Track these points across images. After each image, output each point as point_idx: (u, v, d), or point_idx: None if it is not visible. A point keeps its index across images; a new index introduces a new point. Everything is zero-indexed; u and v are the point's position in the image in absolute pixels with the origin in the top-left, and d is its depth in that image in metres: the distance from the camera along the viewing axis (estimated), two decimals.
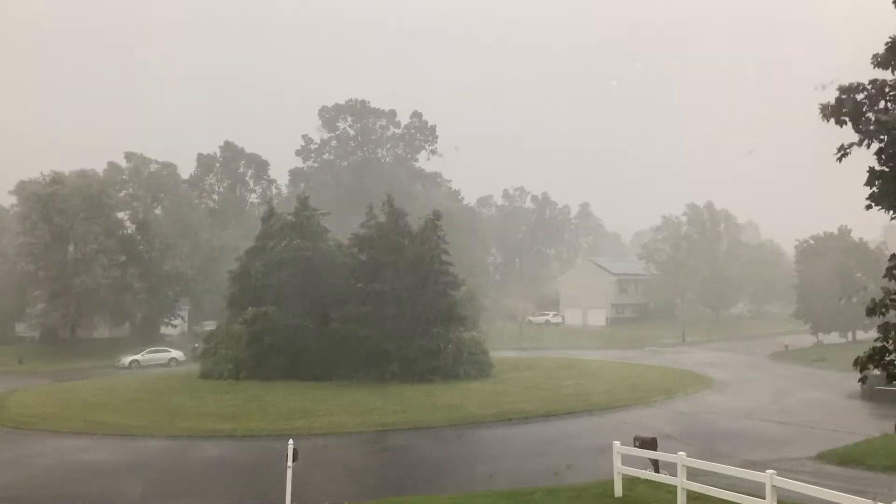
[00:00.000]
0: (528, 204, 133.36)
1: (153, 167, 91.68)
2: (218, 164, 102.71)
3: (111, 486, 22.19)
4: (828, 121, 12.14)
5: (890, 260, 11.92)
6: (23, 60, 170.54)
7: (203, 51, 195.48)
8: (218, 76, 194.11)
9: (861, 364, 11.99)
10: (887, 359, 11.79)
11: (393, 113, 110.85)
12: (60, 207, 66.46)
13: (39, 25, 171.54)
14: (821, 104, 12.17)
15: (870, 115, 11.91)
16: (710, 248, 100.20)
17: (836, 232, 73.64)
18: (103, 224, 68.88)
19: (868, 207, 12.33)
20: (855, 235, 72.85)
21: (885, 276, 12.11)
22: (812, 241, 75.20)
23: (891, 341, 11.77)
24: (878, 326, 12.03)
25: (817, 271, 69.74)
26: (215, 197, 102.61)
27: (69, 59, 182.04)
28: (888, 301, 11.77)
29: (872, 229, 76.28)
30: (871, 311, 11.89)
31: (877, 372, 12.90)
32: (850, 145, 11.98)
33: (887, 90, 11.92)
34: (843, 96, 12.05)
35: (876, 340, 12.20)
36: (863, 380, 12.40)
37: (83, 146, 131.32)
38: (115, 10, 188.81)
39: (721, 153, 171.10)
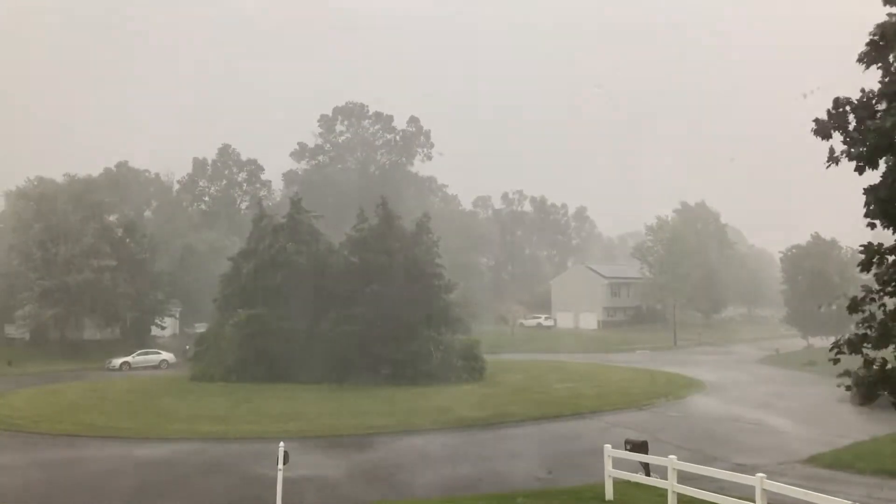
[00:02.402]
0: (527, 207, 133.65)
1: (145, 173, 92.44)
2: (209, 168, 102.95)
3: (101, 489, 22.08)
4: (822, 138, 12.30)
5: (864, 251, 12.06)
6: (16, 56, 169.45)
7: (199, 51, 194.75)
8: (214, 76, 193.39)
9: (838, 348, 12.22)
10: (866, 347, 12.02)
11: (389, 118, 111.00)
12: (49, 208, 66.23)
13: (32, 22, 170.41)
14: (815, 121, 12.30)
15: (861, 124, 12.04)
16: (701, 250, 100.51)
17: (819, 239, 74.60)
18: (93, 225, 68.69)
19: (870, 226, 12.40)
20: (843, 242, 73.84)
21: (860, 270, 12.28)
22: (795, 250, 76.15)
23: (873, 330, 11.98)
24: (862, 319, 12.21)
25: (802, 277, 70.64)
26: (206, 199, 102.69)
27: (59, 56, 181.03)
28: (868, 299, 11.96)
29: (860, 235, 77.23)
30: (852, 308, 12.10)
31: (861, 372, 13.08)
32: (841, 153, 12.12)
33: (874, 100, 12.06)
34: (835, 111, 12.19)
35: (858, 326, 12.40)
36: (835, 360, 12.57)
37: (77, 148, 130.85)
38: (111, 8, 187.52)
39: (708, 156, 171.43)
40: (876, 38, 11.85)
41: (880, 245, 12.07)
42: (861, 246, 12.23)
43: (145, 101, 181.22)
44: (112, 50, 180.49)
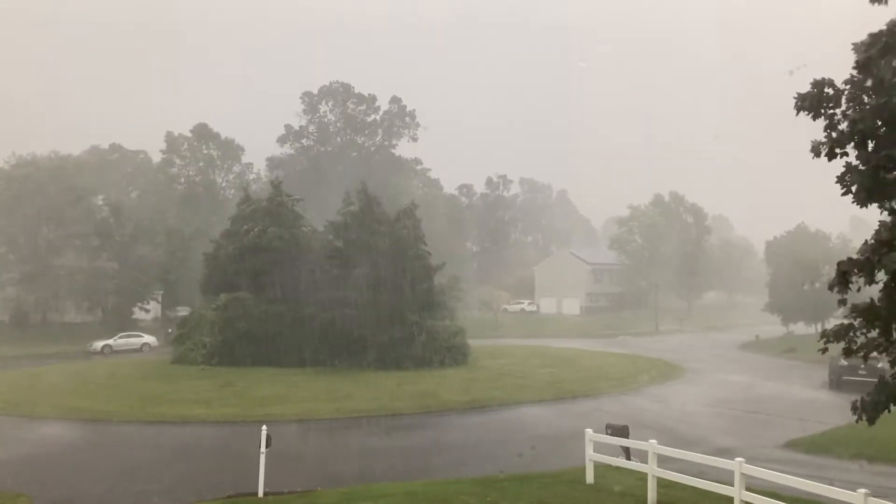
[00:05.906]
0: (512, 191, 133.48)
1: (139, 155, 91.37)
2: (186, 146, 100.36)
3: (81, 473, 21.98)
4: (798, 113, 12.14)
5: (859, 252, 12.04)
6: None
7: (187, 38, 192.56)
8: (204, 63, 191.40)
9: (826, 337, 12.34)
10: (851, 335, 12.13)
11: (373, 98, 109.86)
12: (32, 189, 65.47)
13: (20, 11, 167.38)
14: (797, 94, 12.13)
15: (843, 112, 11.92)
16: (679, 238, 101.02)
17: (803, 228, 75.41)
18: (77, 207, 68.04)
19: (863, 206, 12.26)
20: (827, 229, 74.88)
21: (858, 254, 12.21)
22: (778, 238, 76.96)
23: (858, 320, 12.06)
24: (848, 307, 12.27)
25: (785, 264, 71.37)
26: (182, 181, 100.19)
27: (45, 45, 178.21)
28: (855, 271, 11.88)
29: (840, 221, 79.01)
30: (832, 286, 12.10)
31: (843, 362, 13.28)
32: (825, 144, 11.99)
33: (861, 92, 11.91)
34: (815, 90, 12.05)
35: (845, 317, 12.50)
36: (824, 350, 12.70)
37: (57, 129, 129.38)
38: None
39: (697, 147, 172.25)
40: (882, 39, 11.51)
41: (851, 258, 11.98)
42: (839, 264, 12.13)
43: (127, 85, 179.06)
44: (104, 33, 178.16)
